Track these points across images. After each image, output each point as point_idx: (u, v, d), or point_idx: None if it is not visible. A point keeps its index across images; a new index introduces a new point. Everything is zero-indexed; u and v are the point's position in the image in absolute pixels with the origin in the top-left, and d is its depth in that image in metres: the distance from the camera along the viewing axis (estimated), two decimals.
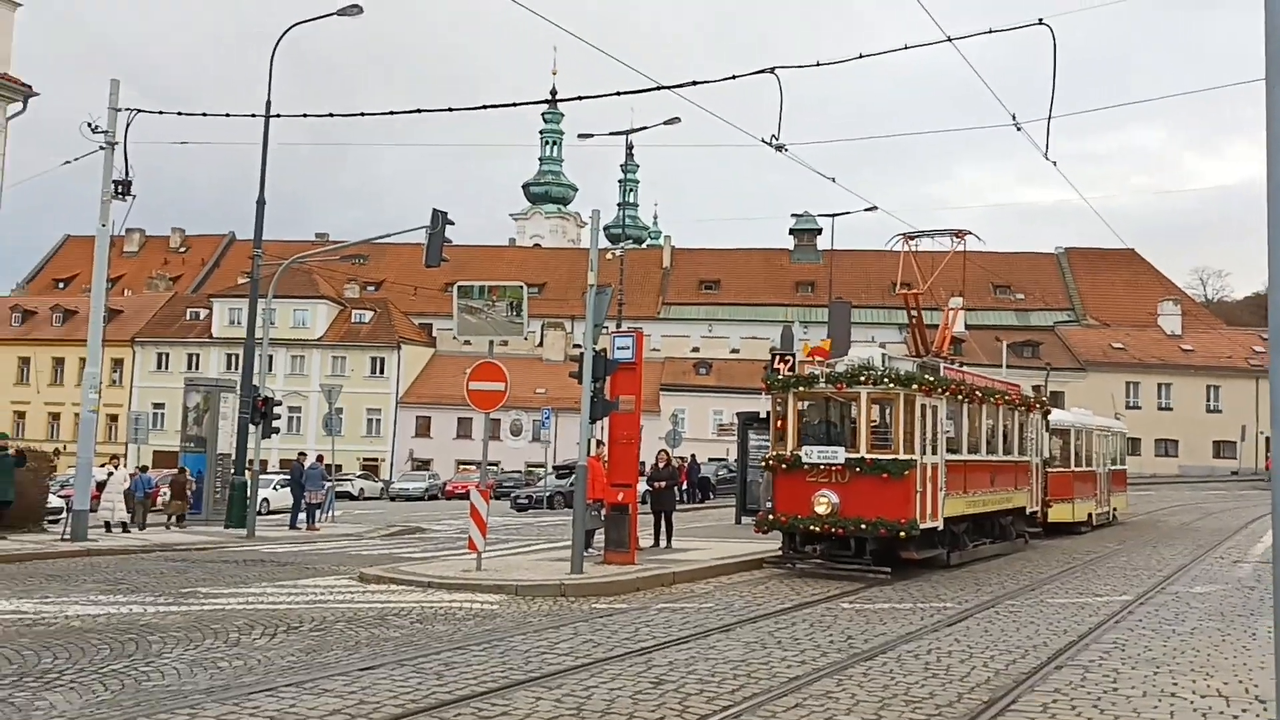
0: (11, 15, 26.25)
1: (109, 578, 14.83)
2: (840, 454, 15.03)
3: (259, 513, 26.94)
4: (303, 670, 8.35)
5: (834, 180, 17.82)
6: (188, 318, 70.31)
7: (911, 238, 18.63)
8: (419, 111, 17.72)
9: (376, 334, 67.93)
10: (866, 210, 31.84)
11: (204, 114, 19.74)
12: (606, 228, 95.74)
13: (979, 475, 17.57)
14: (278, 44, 26.27)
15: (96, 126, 20.21)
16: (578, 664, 8.68)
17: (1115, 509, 27.78)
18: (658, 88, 15.38)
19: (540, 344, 67.43)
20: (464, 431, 63.70)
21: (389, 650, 9.27)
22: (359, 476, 56.66)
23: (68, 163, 20.81)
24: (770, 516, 15.65)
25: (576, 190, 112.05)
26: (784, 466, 15.51)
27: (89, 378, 20.32)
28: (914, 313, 18.01)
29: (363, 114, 18.51)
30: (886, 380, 14.97)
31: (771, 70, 14.57)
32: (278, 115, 23.91)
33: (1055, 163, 16.21)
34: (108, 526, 22.35)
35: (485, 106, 16.14)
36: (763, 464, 17.52)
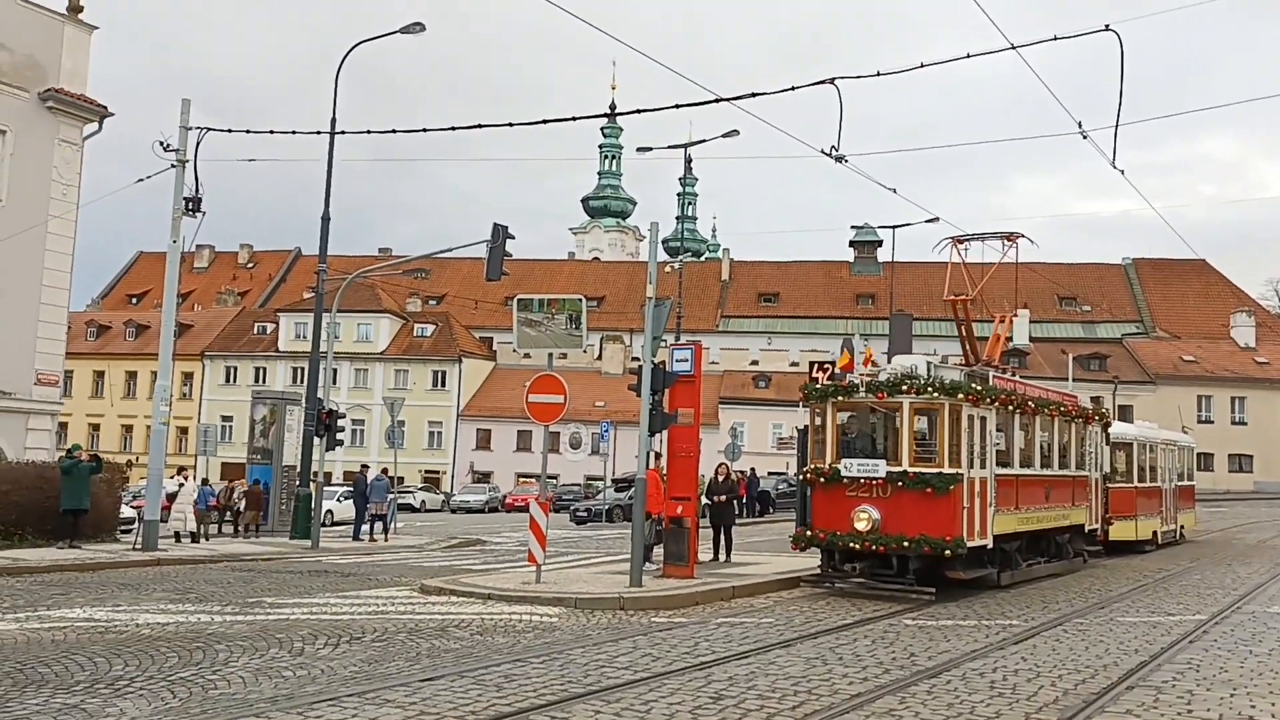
0: (88, 38, 27.08)
1: (178, 587, 15.12)
2: (881, 467, 14.34)
3: (323, 524, 27.34)
4: (365, 680, 8.42)
5: (895, 191, 17.70)
6: (255, 332, 71.66)
7: (961, 242, 17.68)
8: (479, 127, 17.88)
9: (438, 347, 68.64)
10: (928, 221, 31.49)
11: (271, 131, 20.13)
12: (665, 241, 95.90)
13: (1032, 490, 16.76)
14: (343, 62, 26.75)
15: (168, 145, 20.70)
16: (636, 678, 8.64)
17: (1183, 526, 26.72)
18: (716, 100, 15.37)
19: (599, 357, 67.66)
20: (524, 444, 64.04)
21: (449, 662, 9.32)
22: (420, 489, 57.20)
23: (140, 180, 21.33)
24: (808, 533, 15.08)
25: (635, 204, 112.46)
26: (822, 480, 14.91)
27: (160, 391, 20.78)
28: (963, 320, 17.18)
29: (425, 130, 18.75)
30: (930, 389, 14.24)
31: (831, 81, 14.50)
32: (342, 132, 24.31)
33: (1123, 171, 15.91)
34: (177, 536, 22.81)
35: (544, 121, 16.26)
36: (800, 478, 16.86)
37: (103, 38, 30.93)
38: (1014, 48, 13.03)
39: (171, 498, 23.74)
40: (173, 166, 20.64)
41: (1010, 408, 15.96)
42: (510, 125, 17.48)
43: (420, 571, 17.85)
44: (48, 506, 19.61)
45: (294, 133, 20.26)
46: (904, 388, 14.33)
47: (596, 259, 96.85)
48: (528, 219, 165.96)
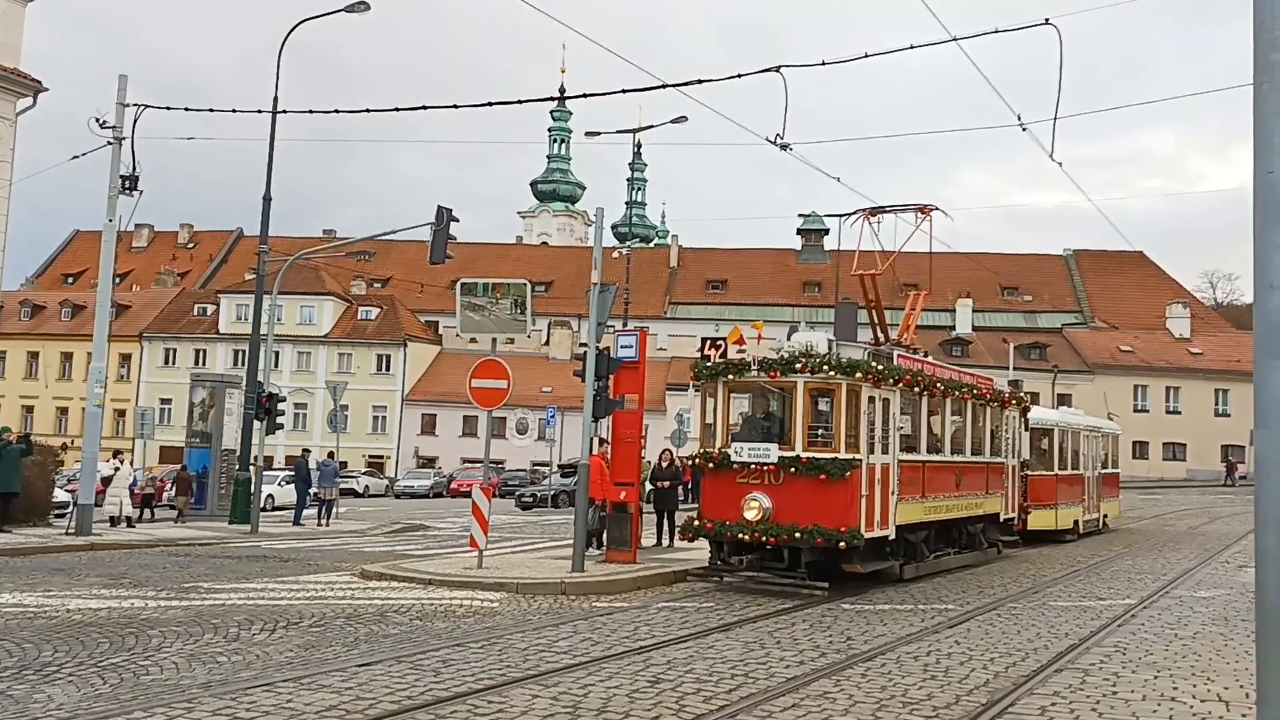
0: (21, 10, 26.36)
1: (112, 572, 14.86)
2: (773, 452, 13.30)
3: (263, 509, 27.03)
4: (301, 666, 8.36)
5: (839, 180, 17.81)
6: (195, 313, 70.48)
7: (873, 214, 16.29)
8: (424, 108, 17.78)
9: (383, 331, 68.02)
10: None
11: (210, 110, 20.11)
12: (614, 226, 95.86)
13: (942, 478, 15.88)
14: (285, 41, 26.26)
15: (104, 122, 20.27)
16: (575, 662, 8.67)
17: (1106, 515, 26.22)
18: (662, 85, 15.37)
19: (546, 342, 67.47)
20: (469, 429, 63.73)
21: (388, 647, 9.27)
22: (364, 473, 56.74)
23: (75, 158, 20.94)
24: (696, 522, 14.03)
25: (584, 189, 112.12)
26: (711, 466, 13.90)
27: (94, 373, 20.38)
28: (873, 301, 15.92)
29: (367, 110, 18.61)
30: (827, 368, 13.16)
31: (777, 69, 14.54)
32: (284, 111, 23.92)
33: (1060, 163, 16.18)
34: (113, 521, 22.42)
35: (489, 104, 16.18)
36: (690, 464, 16.03)
37: (39, 11, 30.15)
38: (955, 40, 13.19)
39: (107, 481, 23.32)
40: (109, 144, 20.22)
41: (917, 389, 14.99)
42: (455, 107, 17.37)
43: (362, 557, 17.73)
44: None
45: (234, 111, 19.95)
46: (798, 366, 13.31)
47: (545, 243, 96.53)
48: (476, 203, 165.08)
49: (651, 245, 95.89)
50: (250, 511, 23.25)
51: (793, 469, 13.18)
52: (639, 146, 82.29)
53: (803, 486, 13.11)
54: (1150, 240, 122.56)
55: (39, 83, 26.31)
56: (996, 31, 13.30)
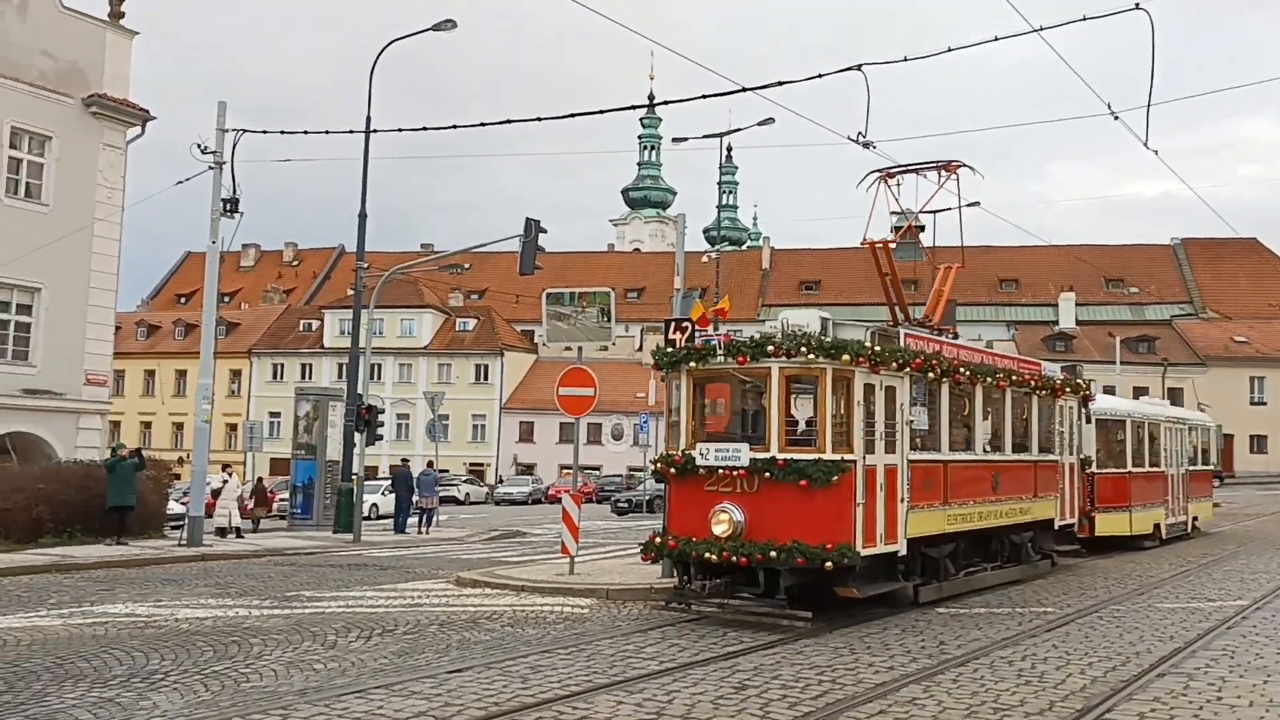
0: (129, 43, 27.54)
1: (219, 582, 15.40)
2: (744, 454, 11.16)
3: (368, 518, 27.70)
4: (393, 673, 8.55)
5: (925, 177, 17.44)
6: (301, 329, 72.56)
7: (891, 176, 14.33)
8: (509, 122, 18.02)
9: (480, 341, 69.12)
10: (969, 206, 31.35)
11: (305, 132, 20.39)
12: (705, 231, 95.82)
13: (971, 480, 13.56)
14: (376, 60, 26.97)
15: (205, 147, 21.02)
16: (662, 668, 8.69)
17: (1195, 518, 23.66)
18: (742, 89, 15.32)
19: (640, 348, 67.70)
20: (566, 436, 64.23)
21: (478, 653, 9.42)
22: (464, 481, 57.69)
23: (180, 183, 21.67)
24: (658, 539, 11.94)
25: (675, 194, 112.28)
26: (674, 471, 11.75)
27: (201, 389, 21.14)
28: (887, 273, 13.94)
29: (454, 126, 19.18)
30: (806, 350, 11.02)
31: (858, 67, 14.37)
32: (375, 130, 24.55)
33: (1156, 151, 15.64)
34: (222, 532, 23.21)
35: (573, 115, 16.33)
36: (653, 468, 13.87)
37: (144, 42, 31.41)
38: (1039, 30, 12.86)
39: (216, 494, 24.15)
40: (210, 169, 20.96)
41: (933, 375, 12.64)
42: (539, 120, 17.56)
43: (459, 564, 18.04)
44: (96, 504, 20.02)
45: (327, 132, 20.52)
46: (770, 348, 11.17)
47: (637, 250, 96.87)
48: (569, 213, 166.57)
49: (743, 248, 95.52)
50: (353, 521, 23.83)
51: (767, 473, 10.98)
52: (729, 150, 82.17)
53: (781, 495, 10.94)
54: (1260, 227, 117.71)
55: (146, 112, 27.47)
56: (1084, 19, 12.93)
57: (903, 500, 11.82)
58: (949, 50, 14.00)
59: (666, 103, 16.80)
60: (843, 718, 7.17)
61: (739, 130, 33.18)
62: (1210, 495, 25.72)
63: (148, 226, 69.63)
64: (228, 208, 21.05)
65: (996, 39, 13.42)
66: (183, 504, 25.54)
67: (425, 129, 19.18)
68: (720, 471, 11.25)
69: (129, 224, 27.34)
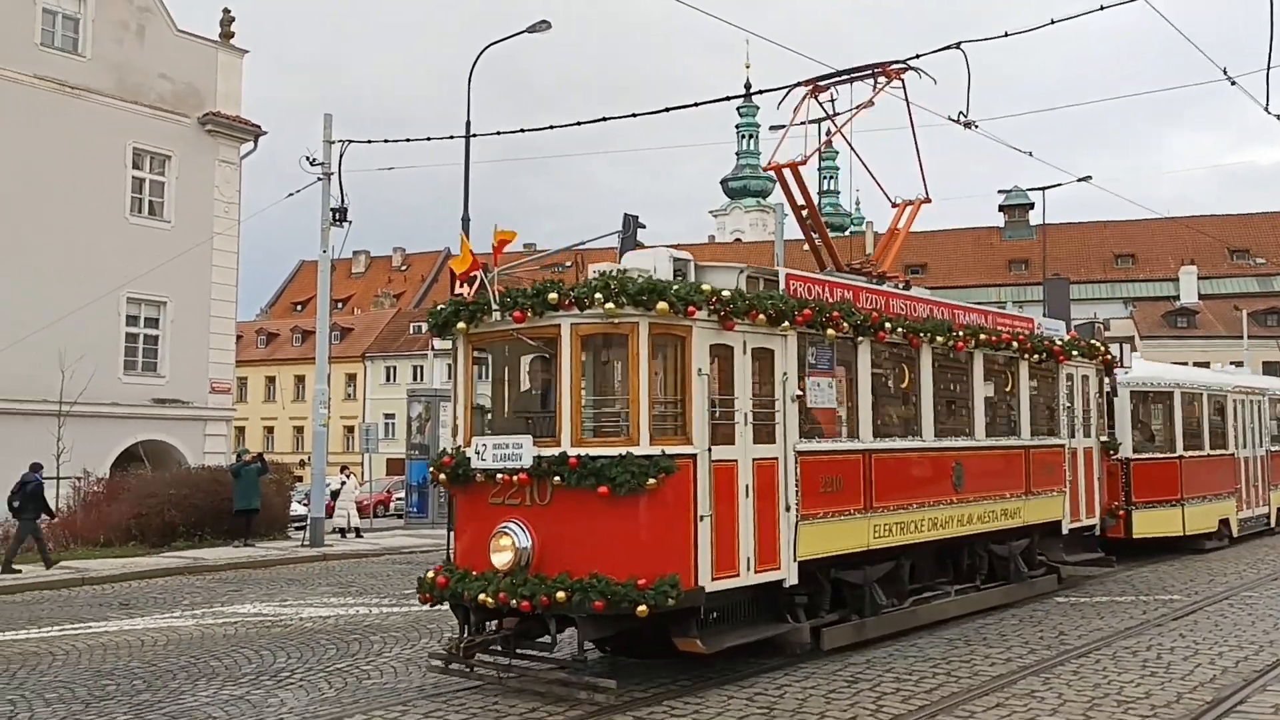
0: (240, 61, 28.57)
1: (341, 581, 15.89)
2: (526, 450, 7.86)
3: None
4: None
5: (1030, 154, 17.02)
6: (411, 332, 74.18)
7: (821, 89, 11.36)
8: (605, 120, 18.08)
9: None
10: (1080, 180, 30.40)
11: (407, 139, 20.85)
12: None
13: (914, 475, 10.19)
14: (474, 65, 27.33)
15: (314, 159, 21.66)
16: (774, 664, 8.63)
17: (1278, 509, 19.79)
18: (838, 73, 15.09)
19: None
20: None
21: None
22: None
23: (291, 195, 22.38)
24: (429, 574, 8.49)
25: (774, 183, 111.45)
26: (444, 476, 8.51)
27: (317, 394, 21.81)
28: (804, 206, 10.96)
29: (551, 127, 19.09)
30: (611, 297, 7.71)
31: (957, 45, 14.04)
32: (475, 135, 24.84)
33: (1279, 116, 14.89)
34: (342, 532, 23.93)
35: (669, 109, 16.35)
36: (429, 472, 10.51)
37: (254, 60, 32.52)
38: None
39: (335, 495, 24.90)
40: (319, 180, 21.59)
41: (841, 332, 9.24)
42: (634, 115, 17.58)
43: None
44: (223, 508, 20.86)
45: (429, 139, 21.18)
46: (553, 297, 7.86)
47: (738, 240, 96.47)
48: (666, 206, 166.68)
49: (846, 234, 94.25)
50: None
51: (558, 477, 7.69)
52: (829, 135, 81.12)
53: (580, 508, 7.68)
54: None
55: (258, 127, 28.48)
56: None
57: (788, 508, 8.50)
58: (1053, 22, 13.57)
59: (762, 91, 16.62)
60: (957, 711, 7.05)
61: (838, 114, 32.68)
62: None
63: (263, 238, 72.13)
64: (337, 217, 21.66)
65: (1102, 8, 12.95)
66: (304, 506, 26.43)
67: (523, 130, 19.38)
68: (500, 477, 7.93)
69: (245, 236, 28.39)
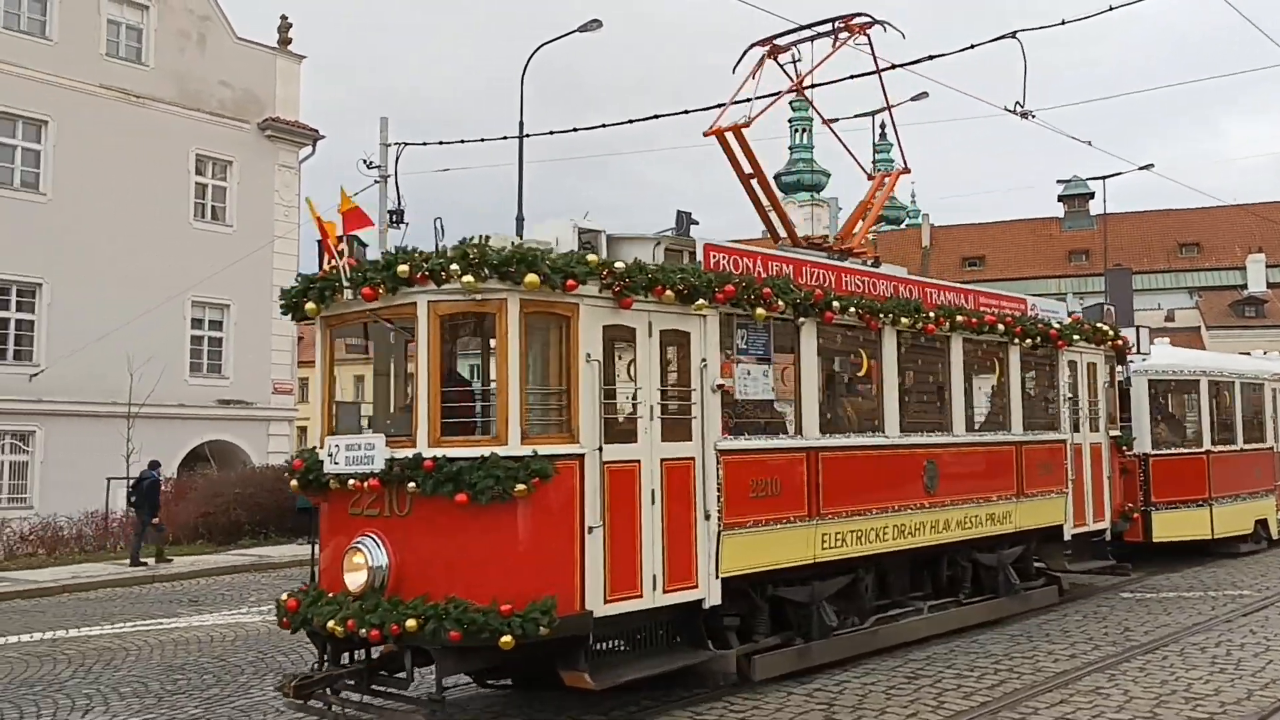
0: (297, 67, 29.04)
1: None
2: (378, 451, 6.86)
3: None
4: None
5: (1090, 144, 16.77)
6: None
7: (781, 48, 10.25)
8: (656, 117, 18.09)
9: None
10: (1141, 169, 29.87)
11: (462, 141, 21.07)
12: None
13: (874, 476, 8.95)
14: (526, 66, 27.51)
15: (371, 162, 21.96)
16: (832, 660, 8.63)
17: None
18: (892, 66, 14.95)
19: None
20: None
21: None
22: None
23: (349, 197, 22.69)
24: (285, 597, 7.39)
25: (829, 176, 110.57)
26: (299, 483, 7.46)
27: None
28: (749, 170, 9.78)
29: (604, 125, 19.24)
30: (462, 270, 6.65)
31: (1013, 35, 13.88)
32: (527, 135, 25.02)
33: None
34: None
35: (720, 105, 16.23)
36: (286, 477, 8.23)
37: (311, 65, 33.01)
38: None
39: None
40: (376, 182, 21.89)
41: (776, 313, 8.10)
42: (686, 113, 17.57)
43: None
44: (287, 506, 21.19)
45: (482, 140, 21.20)
46: (405, 270, 6.78)
47: None
48: (718, 203, 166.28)
49: (902, 227, 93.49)
50: None
51: (413, 484, 6.66)
52: (882, 128, 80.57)
53: (441, 520, 6.66)
54: None
55: (316, 132, 28.93)
56: None
57: (708, 516, 7.43)
58: (1110, 9, 13.37)
59: (815, 86, 16.55)
60: (1019, 708, 7.00)
61: (892, 107, 32.40)
62: None
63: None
64: (394, 219, 21.92)
65: None
66: None
67: (575, 130, 19.47)
68: (352, 483, 6.92)
69: (305, 239, 28.85)
